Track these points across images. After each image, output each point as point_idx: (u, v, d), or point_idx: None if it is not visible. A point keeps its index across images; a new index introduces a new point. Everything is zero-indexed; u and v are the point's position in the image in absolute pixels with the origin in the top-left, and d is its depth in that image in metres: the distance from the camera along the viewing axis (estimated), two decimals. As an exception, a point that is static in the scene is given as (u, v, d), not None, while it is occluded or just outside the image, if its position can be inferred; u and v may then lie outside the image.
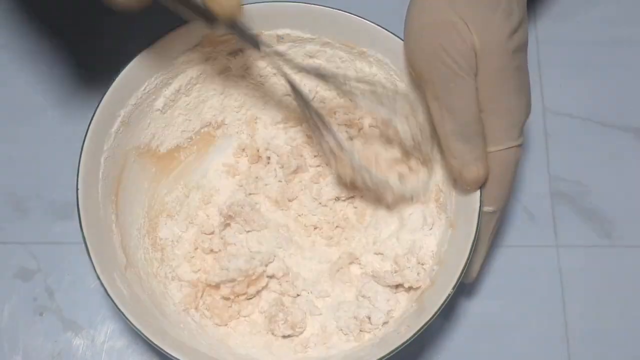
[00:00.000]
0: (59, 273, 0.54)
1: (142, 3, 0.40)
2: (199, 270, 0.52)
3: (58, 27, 0.60)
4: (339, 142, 0.49)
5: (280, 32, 0.52)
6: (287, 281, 0.51)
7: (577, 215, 0.57)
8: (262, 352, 0.49)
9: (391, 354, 0.43)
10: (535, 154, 0.58)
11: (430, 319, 0.43)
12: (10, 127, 0.58)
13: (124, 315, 0.43)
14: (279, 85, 0.55)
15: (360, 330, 0.49)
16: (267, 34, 0.52)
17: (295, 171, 0.55)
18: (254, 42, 0.45)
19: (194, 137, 0.55)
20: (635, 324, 0.54)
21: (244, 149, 0.56)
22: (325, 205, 0.54)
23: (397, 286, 0.50)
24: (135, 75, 0.49)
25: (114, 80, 0.48)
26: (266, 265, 0.51)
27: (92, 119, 0.47)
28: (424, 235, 0.51)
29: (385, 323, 0.49)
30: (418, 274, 0.49)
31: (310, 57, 0.53)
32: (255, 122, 0.57)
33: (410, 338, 0.43)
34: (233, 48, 0.52)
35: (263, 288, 0.51)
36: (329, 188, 0.54)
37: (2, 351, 0.52)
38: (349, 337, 0.49)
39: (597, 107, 0.60)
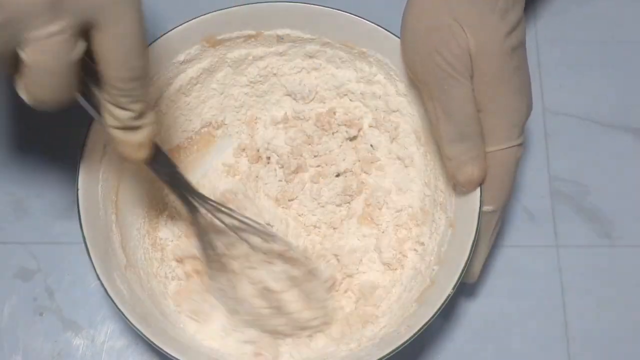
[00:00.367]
0: (59, 273, 0.54)
1: (60, 103, 0.38)
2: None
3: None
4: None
5: (280, 32, 0.52)
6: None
7: (577, 215, 0.57)
8: (262, 352, 0.49)
9: (391, 354, 0.43)
10: (535, 154, 0.58)
11: (430, 319, 0.43)
12: (10, 127, 0.58)
13: (124, 315, 0.43)
14: (279, 85, 0.55)
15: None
16: (267, 34, 0.52)
17: (295, 171, 0.55)
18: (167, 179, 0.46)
19: (194, 137, 0.55)
20: (635, 324, 0.54)
21: (244, 149, 0.56)
22: (324, 206, 0.54)
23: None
24: (135, 75, 0.49)
25: (114, 80, 0.48)
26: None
27: (92, 119, 0.47)
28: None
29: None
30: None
31: (310, 57, 0.53)
32: (255, 122, 0.57)
33: (410, 338, 0.43)
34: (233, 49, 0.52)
35: None
36: (328, 188, 0.54)
37: (2, 351, 0.52)
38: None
39: (597, 107, 0.60)
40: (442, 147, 0.46)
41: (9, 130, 0.58)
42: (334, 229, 0.54)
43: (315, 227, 0.54)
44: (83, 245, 0.44)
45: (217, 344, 0.49)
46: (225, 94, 0.55)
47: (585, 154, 0.58)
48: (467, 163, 0.45)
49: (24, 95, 0.38)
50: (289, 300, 0.48)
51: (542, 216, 0.57)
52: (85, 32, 0.37)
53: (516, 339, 0.53)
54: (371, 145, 0.55)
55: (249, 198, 0.53)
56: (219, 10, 0.50)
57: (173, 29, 0.49)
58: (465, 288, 0.54)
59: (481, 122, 0.45)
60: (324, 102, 0.55)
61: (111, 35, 0.37)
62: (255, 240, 0.49)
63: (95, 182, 0.47)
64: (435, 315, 0.43)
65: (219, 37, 0.51)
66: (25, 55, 0.35)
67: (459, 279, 0.44)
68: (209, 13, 0.50)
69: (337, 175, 0.55)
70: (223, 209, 0.48)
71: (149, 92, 0.47)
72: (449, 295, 0.44)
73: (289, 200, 0.54)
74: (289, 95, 0.55)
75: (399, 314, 0.48)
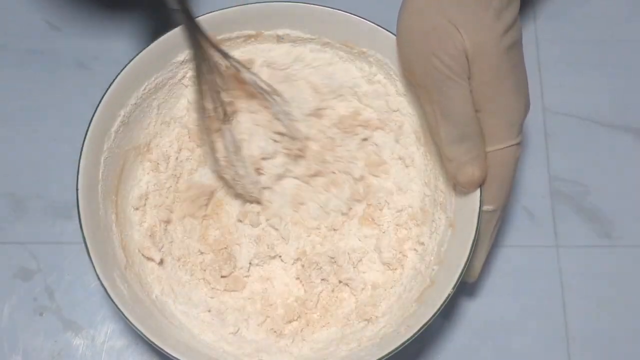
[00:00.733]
0: (59, 273, 0.54)
1: None
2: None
3: (58, 27, 0.60)
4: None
5: (280, 32, 0.52)
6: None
7: (577, 215, 0.57)
8: (261, 352, 0.49)
9: (391, 354, 0.43)
10: (535, 154, 0.58)
11: (430, 319, 0.43)
12: (10, 127, 0.58)
13: (124, 315, 0.43)
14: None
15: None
16: (267, 34, 0.52)
17: (315, 174, 0.54)
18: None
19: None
20: (635, 324, 0.54)
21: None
22: (328, 213, 0.54)
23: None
24: (135, 75, 0.49)
25: (114, 80, 0.48)
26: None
27: (92, 119, 0.47)
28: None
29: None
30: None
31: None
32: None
33: (410, 338, 0.43)
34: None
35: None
36: (337, 197, 0.54)
37: (2, 351, 0.52)
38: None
39: (597, 107, 0.60)
40: (441, 149, 0.46)
41: (9, 129, 0.58)
42: (335, 230, 0.54)
43: (316, 228, 0.54)
44: (83, 245, 0.44)
45: (216, 340, 0.49)
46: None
47: (585, 154, 0.58)
48: (467, 164, 0.45)
49: None
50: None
51: (542, 216, 0.57)
52: None
53: (516, 339, 0.53)
54: (376, 145, 0.55)
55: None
56: (219, 10, 0.50)
57: (174, 28, 0.49)
58: (465, 288, 0.54)
59: (480, 122, 0.45)
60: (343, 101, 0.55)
61: None
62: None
63: (95, 182, 0.47)
64: (435, 315, 0.43)
65: (219, 37, 0.51)
66: None
67: (459, 279, 0.44)
68: (209, 13, 0.50)
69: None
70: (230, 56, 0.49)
71: None
72: (449, 295, 0.44)
73: (299, 204, 0.54)
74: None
75: (399, 314, 0.48)
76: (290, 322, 0.51)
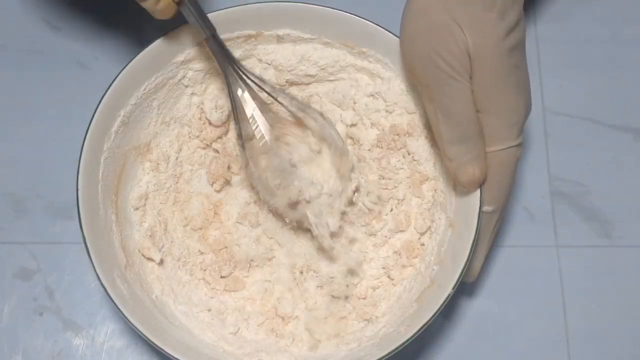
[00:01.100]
0: (59, 273, 0.54)
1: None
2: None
3: (57, 27, 0.60)
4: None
5: (280, 32, 0.52)
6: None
7: (577, 215, 0.57)
8: (261, 352, 0.49)
9: (391, 354, 0.43)
10: (535, 154, 0.58)
11: (431, 318, 0.43)
12: (10, 127, 0.58)
13: (124, 315, 0.43)
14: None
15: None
16: (267, 34, 0.52)
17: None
18: (204, 29, 0.48)
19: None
20: (635, 324, 0.54)
21: None
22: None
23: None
24: (135, 75, 0.49)
25: (114, 80, 0.48)
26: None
27: (92, 118, 0.47)
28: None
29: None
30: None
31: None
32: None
33: (410, 338, 0.43)
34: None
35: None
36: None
37: (2, 351, 0.52)
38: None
39: (597, 107, 0.60)
40: (442, 148, 0.46)
41: (9, 129, 0.58)
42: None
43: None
44: (83, 245, 0.44)
45: (215, 339, 0.49)
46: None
47: (585, 154, 0.58)
48: (468, 163, 0.45)
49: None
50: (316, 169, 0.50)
51: (542, 216, 0.57)
52: None
53: (516, 339, 0.53)
54: (409, 154, 0.53)
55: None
56: (219, 10, 0.50)
57: (174, 28, 0.49)
58: (465, 288, 0.54)
59: (480, 122, 0.45)
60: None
61: None
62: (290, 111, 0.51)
63: (95, 182, 0.47)
64: (435, 315, 0.43)
65: (219, 37, 0.51)
66: None
67: (459, 278, 0.44)
68: (209, 13, 0.50)
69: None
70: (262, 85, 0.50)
71: None
72: (449, 295, 0.44)
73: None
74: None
75: (399, 314, 0.48)
76: (290, 322, 0.51)
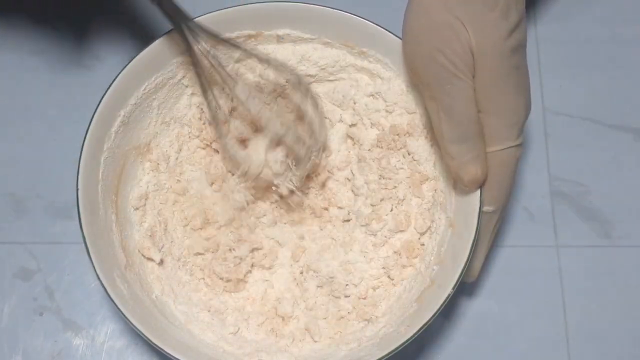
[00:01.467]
0: (59, 273, 0.54)
1: None
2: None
3: (58, 27, 0.60)
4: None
5: (281, 32, 0.52)
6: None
7: (577, 215, 0.57)
8: (261, 352, 0.49)
9: (391, 354, 0.43)
10: (535, 154, 0.58)
11: (430, 318, 0.43)
12: (10, 127, 0.58)
13: (124, 315, 0.43)
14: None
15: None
16: (267, 34, 0.52)
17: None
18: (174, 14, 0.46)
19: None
20: (635, 324, 0.54)
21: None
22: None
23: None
24: (135, 75, 0.49)
25: (114, 80, 0.48)
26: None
27: (92, 118, 0.47)
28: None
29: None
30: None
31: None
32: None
33: (410, 338, 0.43)
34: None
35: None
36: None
37: (2, 351, 0.52)
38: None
39: (597, 107, 0.60)
40: (444, 147, 0.46)
41: (9, 129, 0.58)
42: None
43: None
44: (83, 245, 0.44)
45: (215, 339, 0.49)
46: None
47: (585, 154, 0.58)
48: (470, 162, 0.45)
49: None
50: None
51: (542, 216, 0.57)
52: None
53: (516, 339, 0.53)
54: (409, 154, 0.53)
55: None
56: (219, 10, 0.50)
57: (173, 29, 0.49)
58: (465, 288, 0.54)
59: (481, 122, 0.45)
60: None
61: None
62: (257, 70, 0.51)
63: (95, 182, 0.47)
64: (435, 315, 0.43)
65: (219, 37, 0.51)
66: None
67: (459, 278, 0.44)
68: (209, 13, 0.50)
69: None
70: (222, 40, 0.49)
71: None
72: (449, 295, 0.44)
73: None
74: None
75: (399, 314, 0.48)
76: (290, 322, 0.51)
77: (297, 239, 0.54)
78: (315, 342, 0.50)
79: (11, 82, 0.59)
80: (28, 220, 0.55)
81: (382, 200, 0.52)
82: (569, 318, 0.54)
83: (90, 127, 0.47)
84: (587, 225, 0.56)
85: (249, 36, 0.52)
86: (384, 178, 0.53)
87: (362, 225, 0.53)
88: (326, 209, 0.54)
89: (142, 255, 0.50)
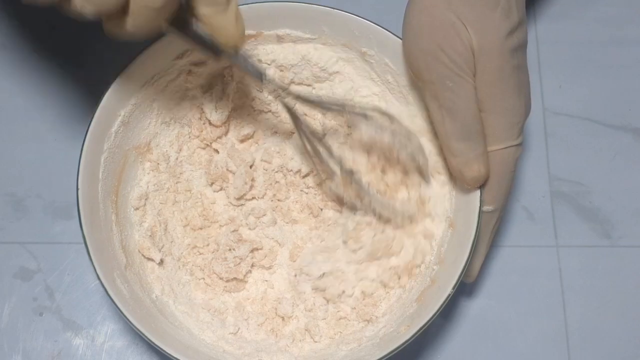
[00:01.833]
0: (59, 273, 0.54)
1: (150, 33, 0.39)
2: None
3: (57, 27, 0.60)
4: (343, 165, 0.49)
5: (280, 32, 0.52)
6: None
7: (577, 215, 0.57)
8: (261, 352, 0.49)
9: (391, 354, 0.43)
10: (535, 154, 0.58)
11: (430, 318, 0.43)
12: (10, 127, 0.58)
13: (124, 315, 0.43)
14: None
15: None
16: (267, 34, 0.52)
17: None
18: (258, 74, 0.45)
19: (194, 137, 0.55)
20: (635, 324, 0.54)
21: None
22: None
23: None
24: (135, 76, 0.49)
25: (114, 80, 0.48)
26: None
27: (92, 118, 0.47)
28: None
29: None
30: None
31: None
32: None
33: (410, 338, 0.43)
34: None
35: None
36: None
37: (2, 351, 0.52)
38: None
39: (597, 107, 0.60)
40: (447, 145, 0.46)
41: (9, 129, 0.58)
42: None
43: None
44: (83, 245, 0.44)
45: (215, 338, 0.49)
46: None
47: (585, 154, 0.58)
48: (473, 160, 0.45)
49: (115, 28, 0.38)
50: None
51: (542, 216, 0.57)
52: None
53: (516, 339, 0.53)
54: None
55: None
56: (219, 10, 0.50)
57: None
58: (465, 288, 0.54)
59: (481, 121, 0.45)
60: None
61: None
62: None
63: (95, 182, 0.47)
64: (435, 315, 0.43)
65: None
66: None
67: (459, 279, 0.44)
68: (209, 13, 0.50)
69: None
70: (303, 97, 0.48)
71: None
72: (449, 295, 0.44)
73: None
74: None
75: (399, 314, 0.48)
76: (290, 322, 0.51)
77: (296, 239, 0.54)
78: (315, 342, 0.50)
79: (11, 82, 0.59)
80: (28, 220, 0.55)
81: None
82: (569, 318, 0.54)
83: (90, 127, 0.47)
84: (587, 225, 0.56)
85: (249, 36, 0.52)
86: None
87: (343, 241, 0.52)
88: (322, 209, 0.54)
89: (142, 255, 0.50)
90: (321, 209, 0.54)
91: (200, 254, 0.52)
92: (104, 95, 0.47)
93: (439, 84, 0.44)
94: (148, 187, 0.52)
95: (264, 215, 0.54)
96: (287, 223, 0.54)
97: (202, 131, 0.54)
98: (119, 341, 0.53)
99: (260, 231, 0.54)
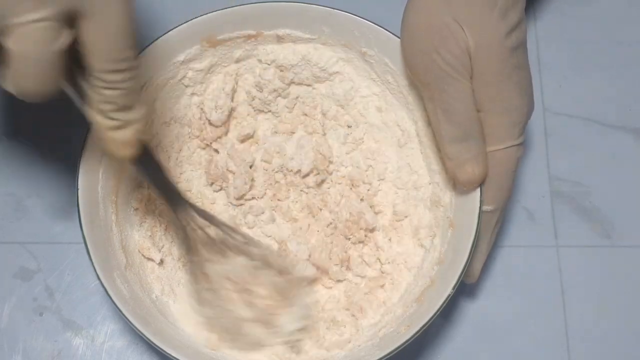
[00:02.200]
0: (59, 273, 0.54)
1: (46, 93, 0.38)
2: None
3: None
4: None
5: (280, 32, 0.52)
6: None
7: (577, 215, 0.57)
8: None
9: (391, 354, 0.43)
10: (535, 154, 0.58)
11: (430, 319, 0.43)
12: (10, 127, 0.58)
13: (124, 315, 0.43)
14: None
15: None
16: (267, 34, 0.52)
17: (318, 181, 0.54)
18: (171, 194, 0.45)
19: (194, 137, 0.55)
20: (635, 324, 0.54)
21: None
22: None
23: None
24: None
25: (114, 80, 0.48)
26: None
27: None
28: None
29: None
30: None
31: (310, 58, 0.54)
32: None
33: (410, 338, 0.43)
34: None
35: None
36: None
37: (2, 351, 0.52)
38: None
39: (597, 107, 0.60)
40: (442, 147, 0.46)
41: (9, 129, 0.58)
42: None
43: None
44: (83, 245, 0.44)
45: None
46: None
47: (585, 154, 0.58)
48: (467, 162, 0.45)
49: (9, 86, 0.36)
50: (266, 300, 0.48)
51: (542, 216, 0.56)
52: (72, 20, 0.36)
53: (516, 339, 0.53)
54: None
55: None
56: (219, 10, 0.50)
57: (173, 29, 0.49)
58: (465, 288, 0.54)
59: (482, 121, 0.45)
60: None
61: (97, 24, 0.36)
62: (239, 246, 0.49)
63: (95, 182, 0.47)
64: (435, 315, 0.43)
65: (219, 37, 0.51)
66: (9, 43, 0.35)
67: (459, 279, 0.44)
68: (209, 13, 0.50)
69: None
70: (209, 219, 0.47)
71: (139, 87, 0.46)
72: (449, 295, 0.44)
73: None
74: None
75: (399, 314, 0.48)
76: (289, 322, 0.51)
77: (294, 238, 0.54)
78: (315, 342, 0.50)
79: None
80: (28, 220, 0.55)
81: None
82: (569, 318, 0.54)
83: (91, 126, 0.47)
84: (587, 225, 0.56)
85: (249, 36, 0.52)
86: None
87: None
88: (320, 209, 0.54)
89: (142, 255, 0.50)
90: (320, 209, 0.54)
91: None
92: (104, 95, 0.47)
93: (435, 85, 0.44)
94: (148, 187, 0.52)
95: (262, 213, 0.54)
96: (286, 221, 0.54)
97: (202, 131, 0.54)
98: (119, 341, 0.53)
99: (259, 229, 0.54)
